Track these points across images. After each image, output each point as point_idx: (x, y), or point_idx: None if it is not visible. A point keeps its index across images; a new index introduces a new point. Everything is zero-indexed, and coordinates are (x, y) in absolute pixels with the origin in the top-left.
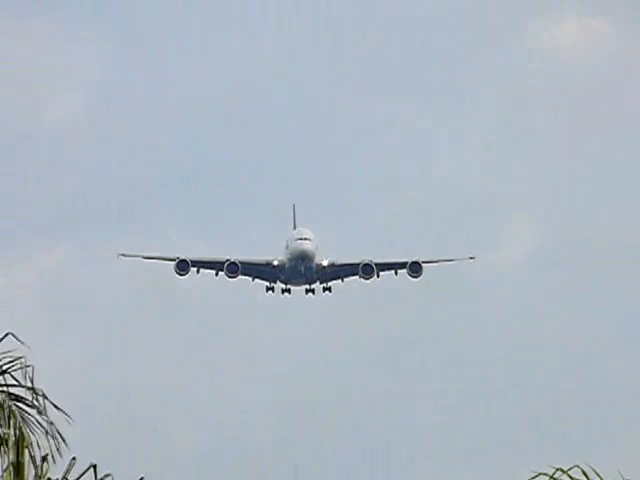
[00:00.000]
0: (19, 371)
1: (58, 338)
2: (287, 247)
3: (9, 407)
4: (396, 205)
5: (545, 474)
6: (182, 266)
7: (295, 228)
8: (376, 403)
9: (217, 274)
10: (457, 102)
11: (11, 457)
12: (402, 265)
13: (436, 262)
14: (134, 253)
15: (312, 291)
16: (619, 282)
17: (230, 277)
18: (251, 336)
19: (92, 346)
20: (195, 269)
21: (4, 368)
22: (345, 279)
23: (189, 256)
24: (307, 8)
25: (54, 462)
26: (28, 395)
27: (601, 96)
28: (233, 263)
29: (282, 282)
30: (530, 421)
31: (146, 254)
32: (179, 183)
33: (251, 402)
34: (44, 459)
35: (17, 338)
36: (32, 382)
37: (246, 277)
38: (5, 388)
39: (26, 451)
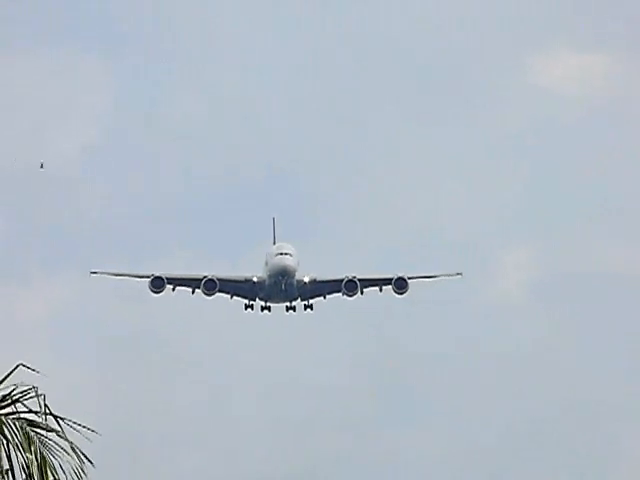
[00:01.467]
0: (32, 399)
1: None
2: (267, 263)
3: (27, 433)
4: (384, 223)
5: None
6: (157, 283)
7: (275, 242)
8: (361, 425)
9: (194, 292)
10: (454, 127)
11: None
12: (387, 281)
13: (422, 278)
14: (106, 270)
15: (293, 309)
16: (614, 313)
17: (207, 295)
18: (229, 357)
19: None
20: (171, 286)
21: (17, 397)
22: (327, 296)
23: (164, 273)
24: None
25: None
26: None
27: (600, 130)
28: (211, 280)
29: (262, 299)
30: (518, 441)
31: (118, 271)
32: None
33: (233, 424)
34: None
35: (29, 367)
36: (47, 408)
37: (224, 294)
38: (19, 415)
39: (50, 475)
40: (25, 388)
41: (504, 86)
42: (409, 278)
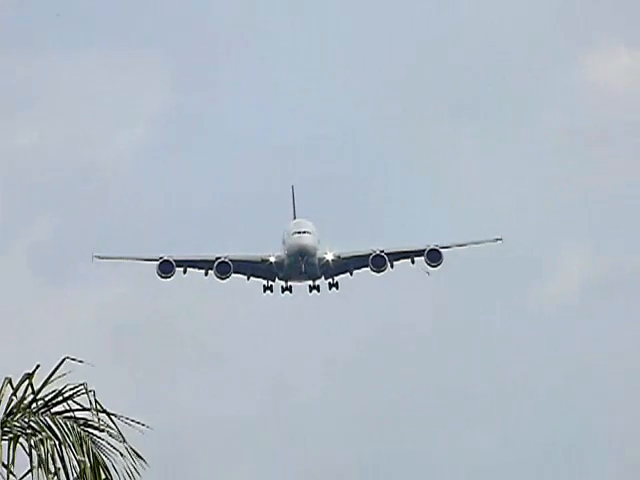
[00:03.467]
0: (81, 397)
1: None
2: (284, 242)
3: (79, 433)
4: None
5: None
6: (165, 267)
7: (295, 215)
8: (396, 414)
9: (207, 274)
10: (512, 125)
11: None
12: (419, 253)
13: (457, 246)
14: (110, 255)
15: (317, 288)
16: None
17: (221, 278)
18: (248, 344)
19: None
20: (181, 269)
21: (67, 395)
22: (354, 272)
23: (173, 255)
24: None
25: None
26: (94, 419)
27: None
28: (224, 262)
29: (281, 279)
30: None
31: (124, 254)
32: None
33: (260, 417)
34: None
35: (75, 359)
36: (99, 404)
37: (240, 276)
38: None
39: (103, 473)
40: (75, 385)
41: (559, 84)
42: (443, 248)
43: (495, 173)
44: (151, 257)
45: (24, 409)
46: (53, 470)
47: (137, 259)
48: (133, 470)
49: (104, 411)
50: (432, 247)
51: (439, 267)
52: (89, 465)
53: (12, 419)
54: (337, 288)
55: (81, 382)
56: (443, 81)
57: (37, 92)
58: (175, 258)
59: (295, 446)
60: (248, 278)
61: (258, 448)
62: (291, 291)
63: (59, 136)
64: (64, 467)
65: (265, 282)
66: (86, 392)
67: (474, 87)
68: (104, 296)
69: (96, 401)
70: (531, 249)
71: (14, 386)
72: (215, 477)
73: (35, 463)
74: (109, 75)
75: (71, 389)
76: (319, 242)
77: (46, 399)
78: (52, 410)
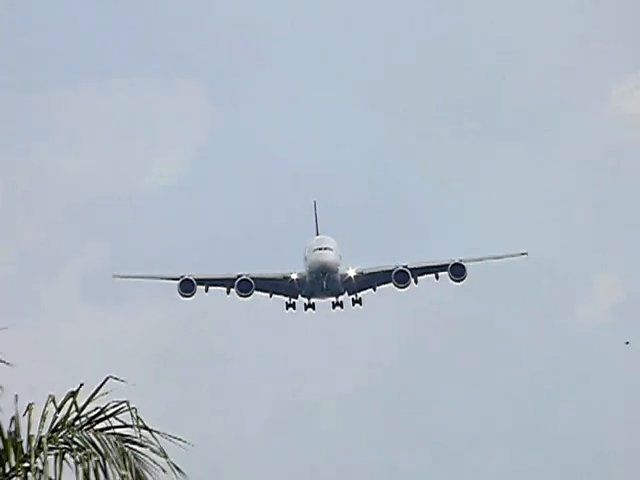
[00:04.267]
0: (124, 414)
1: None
2: (306, 259)
3: (122, 449)
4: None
5: None
6: (186, 286)
7: (317, 229)
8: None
9: (228, 292)
10: (545, 147)
11: None
12: (442, 267)
13: (482, 260)
14: (130, 274)
15: (340, 304)
16: None
17: (242, 296)
18: (274, 361)
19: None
20: (203, 288)
21: (110, 412)
22: (377, 288)
23: (194, 274)
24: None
25: None
26: (136, 436)
27: None
28: (245, 280)
29: (304, 296)
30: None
31: (144, 273)
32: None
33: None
34: None
35: (118, 378)
36: (141, 421)
37: (262, 293)
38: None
39: None
40: (118, 402)
41: (591, 110)
42: (466, 262)
43: (523, 190)
44: (172, 276)
45: (68, 426)
46: None
47: (157, 278)
48: None
49: (146, 427)
50: (456, 261)
51: (463, 281)
52: (131, 479)
53: (57, 435)
54: (360, 304)
55: (123, 400)
56: (462, 100)
57: (75, 123)
58: (196, 277)
59: (321, 458)
60: (270, 296)
61: (289, 462)
62: (314, 308)
63: (100, 165)
64: None
65: (287, 299)
66: (128, 409)
67: (499, 106)
68: (146, 317)
69: (138, 418)
70: (558, 265)
71: (58, 404)
72: None
73: (80, 478)
74: (142, 105)
75: (114, 406)
76: (341, 258)
77: (89, 416)
78: (95, 427)
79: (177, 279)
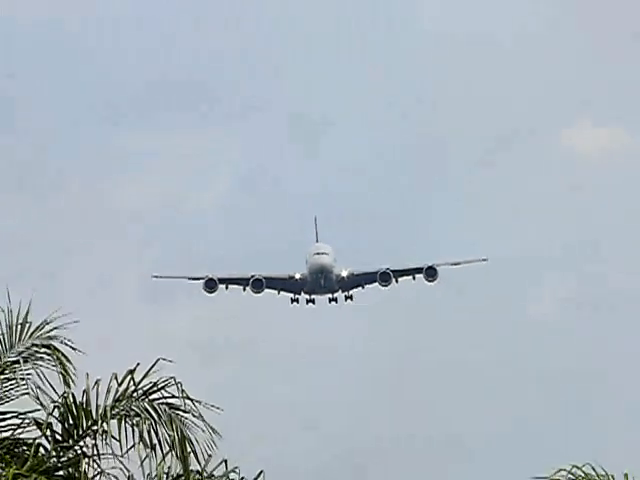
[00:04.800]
0: (172, 388)
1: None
2: (307, 262)
3: (169, 415)
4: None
5: (564, 469)
6: (210, 284)
7: (317, 241)
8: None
9: (244, 289)
10: (510, 175)
11: (178, 452)
12: (418, 270)
13: (450, 265)
14: (166, 275)
15: (335, 300)
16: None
17: (255, 292)
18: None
19: None
20: (224, 286)
21: (161, 385)
22: (365, 286)
23: (216, 274)
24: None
25: (210, 455)
26: (181, 404)
27: (618, 183)
28: (258, 279)
29: (306, 293)
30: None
31: (177, 274)
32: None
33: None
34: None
35: (166, 359)
36: (185, 392)
37: (272, 290)
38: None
39: (188, 447)
40: (167, 378)
41: (548, 149)
42: (438, 266)
43: (490, 206)
44: (199, 276)
45: (127, 397)
46: (149, 444)
47: (188, 278)
48: (210, 442)
49: (188, 397)
50: (429, 265)
51: (435, 282)
52: (177, 439)
53: (118, 405)
54: (352, 300)
55: (171, 376)
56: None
57: (134, 165)
58: (218, 277)
59: (316, 435)
60: (278, 292)
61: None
62: (314, 303)
63: (154, 194)
64: (159, 441)
65: (292, 295)
66: (175, 383)
67: (474, 137)
68: (188, 314)
69: (182, 390)
70: (513, 268)
71: (119, 380)
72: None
73: (137, 439)
74: (186, 150)
75: (164, 381)
76: (335, 261)
77: (144, 389)
78: (149, 398)
79: (202, 279)
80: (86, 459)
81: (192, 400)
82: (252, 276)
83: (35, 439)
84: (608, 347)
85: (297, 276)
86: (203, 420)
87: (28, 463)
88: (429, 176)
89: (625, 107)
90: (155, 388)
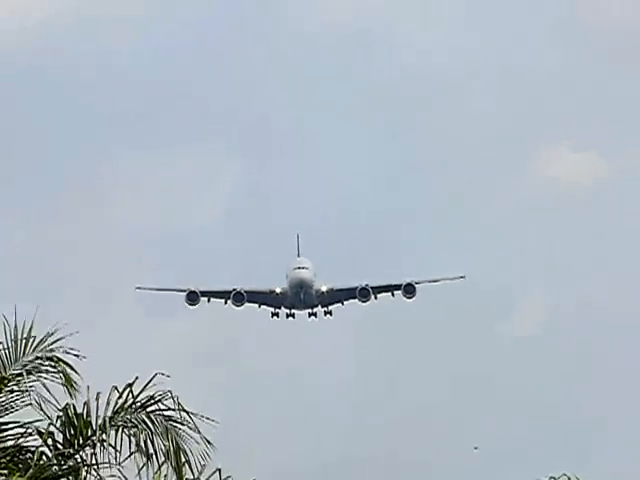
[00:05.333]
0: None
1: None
2: (287, 276)
3: (166, 426)
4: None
5: (553, 477)
6: (192, 297)
7: (299, 256)
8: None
9: (226, 302)
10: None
11: (173, 462)
12: (397, 287)
13: (429, 282)
14: (149, 286)
15: (314, 315)
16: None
17: (236, 305)
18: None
19: None
20: (206, 299)
21: (158, 398)
22: (345, 302)
23: (198, 287)
24: None
25: (204, 465)
26: (177, 416)
27: (594, 208)
28: (239, 293)
29: (286, 308)
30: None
31: (160, 286)
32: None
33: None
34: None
35: (163, 374)
36: (180, 405)
37: (252, 304)
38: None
39: (182, 457)
40: (164, 391)
41: (519, 173)
42: (416, 283)
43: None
44: (181, 288)
45: (126, 409)
46: (146, 453)
47: (170, 290)
48: (205, 454)
49: (184, 410)
50: (408, 282)
51: (413, 298)
52: (173, 449)
53: (117, 416)
54: (331, 315)
55: (168, 389)
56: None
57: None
58: (200, 290)
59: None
60: (259, 306)
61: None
62: (294, 317)
63: (152, 212)
64: (155, 451)
65: (273, 309)
66: (171, 397)
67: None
68: (185, 327)
69: (179, 403)
70: (493, 285)
71: (119, 392)
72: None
73: (134, 448)
74: (184, 166)
75: (160, 394)
76: (315, 276)
77: (142, 402)
78: (146, 409)
79: (184, 291)
80: (85, 467)
81: (188, 412)
82: (234, 289)
83: (38, 447)
84: (590, 366)
85: (277, 290)
86: (198, 432)
87: (30, 471)
88: (414, 194)
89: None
90: (152, 401)
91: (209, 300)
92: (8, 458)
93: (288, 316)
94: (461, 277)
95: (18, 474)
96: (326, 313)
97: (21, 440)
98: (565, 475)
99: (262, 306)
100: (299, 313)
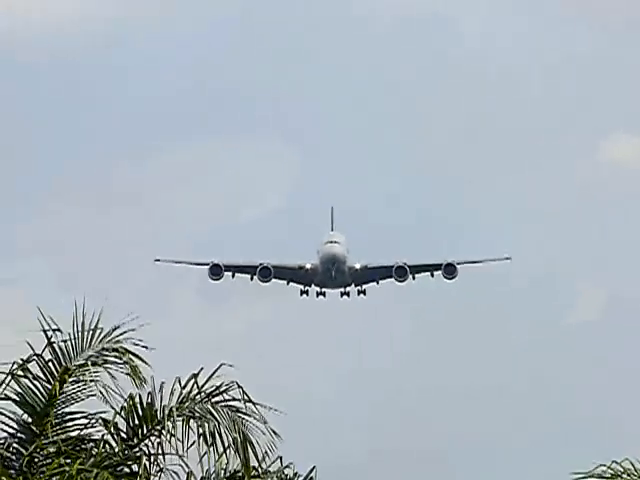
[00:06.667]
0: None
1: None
2: (318, 251)
3: (232, 417)
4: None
5: (604, 465)
6: (215, 270)
7: (332, 230)
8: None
9: (252, 278)
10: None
11: (240, 454)
12: (437, 267)
13: (472, 263)
14: (169, 258)
15: (347, 294)
16: None
17: (263, 281)
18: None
19: None
20: (230, 274)
21: (223, 389)
22: (380, 282)
23: (222, 260)
24: None
25: (270, 456)
26: (243, 407)
27: None
28: (266, 267)
29: (317, 285)
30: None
31: (180, 259)
32: None
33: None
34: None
35: (229, 364)
36: (247, 395)
37: (281, 281)
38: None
39: (249, 448)
40: (230, 382)
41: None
42: (458, 263)
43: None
44: (204, 262)
45: (191, 399)
46: (208, 442)
47: (192, 263)
48: (272, 444)
49: (250, 400)
50: (449, 262)
51: (454, 280)
52: (239, 441)
53: (182, 406)
54: (365, 294)
55: (234, 380)
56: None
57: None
58: (224, 263)
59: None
60: (288, 283)
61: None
62: (325, 296)
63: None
64: (222, 442)
65: (302, 287)
66: (238, 387)
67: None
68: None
69: (244, 393)
70: (538, 270)
71: (182, 383)
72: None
73: (200, 439)
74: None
75: (226, 385)
76: (348, 252)
77: (207, 392)
78: (212, 400)
79: (207, 264)
80: (148, 457)
81: (254, 403)
82: (260, 264)
83: (103, 435)
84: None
85: (307, 266)
86: (265, 422)
87: (92, 459)
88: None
89: None
90: (217, 391)
91: (233, 275)
92: (71, 447)
93: (318, 295)
94: (507, 259)
95: (79, 461)
96: (359, 292)
97: (85, 430)
98: (628, 459)
99: (291, 283)
100: (330, 292)
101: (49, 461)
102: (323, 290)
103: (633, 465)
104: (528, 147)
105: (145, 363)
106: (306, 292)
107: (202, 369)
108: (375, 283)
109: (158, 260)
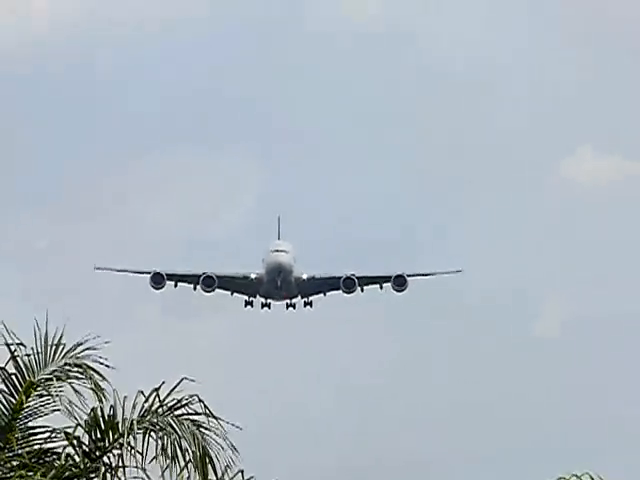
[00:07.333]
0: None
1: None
2: (264, 260)
3: (192, 431)
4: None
5: (563, 478)
6: (157, 279)
7: (279, 239)
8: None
9: (195, 288)
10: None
11: (199, 467)
12: (386, 279)
13: (422, 275)
14: (109, 267)
15: (293, 306)
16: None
17: (206, 291)
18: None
19: None
20: (172, 283)
21: (184, 402)
22: (327, 293)
23: (164, 269)
24: None
25: (230, 471)
26: (204, 421)
27: (613, 212)
28: (209, 277)
29: (262, 296)
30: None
31: (120, 267)
32: None
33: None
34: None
35: (189, 379)
36: (208, 409)
37: (224, 291)
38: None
39: (208, 464)
40: (190, 395)
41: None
42: (408, 276)
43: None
44: (145, 270)
45: (152, 412)
46: (169, 456)
47: (132, 272)
48: (230, 460)
49: (212, 414)
50: (398, 273)
51: (404, 292)
52: (199, 455)
53: (143, 419)
54: (311, 306)
55: (195, 393)
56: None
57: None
58: (166, 272)
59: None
60: (232, 293)
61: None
62: (270, 307)
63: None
64: (183, 456)
65: (247, 298)
66: (199, 401)
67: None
68: (204, 328)
69: (206, 407)
70: (487, 282)
71: (145, 396)
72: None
73: (159, 451)
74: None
75: (187, 399)
76: (295, 261)
77: (169, 405)
78: (173, 414)
79: (148, 273)
80: (108, 469)
81: (215, 417)
82: (203, 273)
83: (64, 447)
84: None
85: (252, 276)
86: (225, 437)
87: (53, 472)
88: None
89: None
90: (179, 405)
91: (176, 285)
92: (34, 460)
93: (263, 306)
94: (458, 271)
95: (40, 473)
96: (306, 304)
97: (49, 444)
98: (588, 473)
99: (235, 294)
100: (276, 303)
101: (12, 474)
102: (268, 301)
103: (592, 478)
104: (492, 163)
105: (105, 380)
106: (250, 303)
107: (164, 383)
108: (322, 295)
109: (98, 268)
